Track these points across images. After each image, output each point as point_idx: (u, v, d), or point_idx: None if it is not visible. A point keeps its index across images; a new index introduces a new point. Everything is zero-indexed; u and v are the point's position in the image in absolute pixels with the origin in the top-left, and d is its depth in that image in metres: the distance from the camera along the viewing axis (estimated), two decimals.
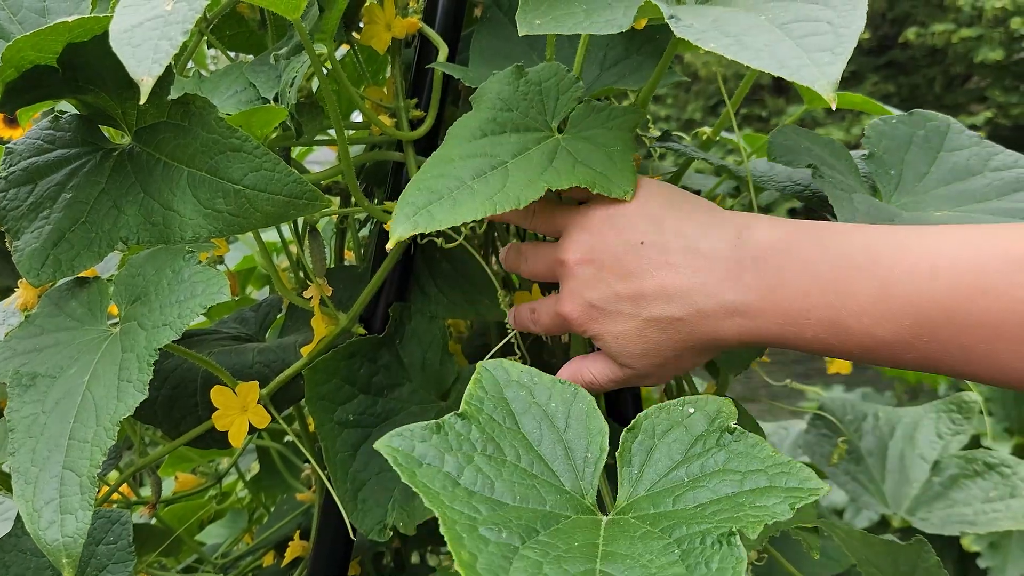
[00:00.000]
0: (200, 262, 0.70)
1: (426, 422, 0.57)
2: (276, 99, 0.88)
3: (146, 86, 0.54)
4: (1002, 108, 10.46)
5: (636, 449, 0.59)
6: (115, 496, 1.01)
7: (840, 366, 1.05)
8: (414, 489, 0.52)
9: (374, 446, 0.55)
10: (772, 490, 0.52)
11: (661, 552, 0.49)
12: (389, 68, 1.00)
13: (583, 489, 0.57)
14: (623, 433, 0.59)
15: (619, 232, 0.65)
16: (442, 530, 0.48)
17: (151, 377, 0.64)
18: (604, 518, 0.55)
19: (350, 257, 1.22)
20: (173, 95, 0.75)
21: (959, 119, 0.91)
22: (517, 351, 0.89)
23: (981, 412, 1.44)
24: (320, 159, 1.93)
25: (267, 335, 1.14)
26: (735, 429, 0.56)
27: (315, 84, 0.93)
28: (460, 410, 0.59)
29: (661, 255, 0.63)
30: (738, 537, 0.48)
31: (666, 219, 0.64)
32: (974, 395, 1.40)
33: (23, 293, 0.86)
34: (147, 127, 0.75)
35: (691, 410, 0.59)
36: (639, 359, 0.66)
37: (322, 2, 0.75)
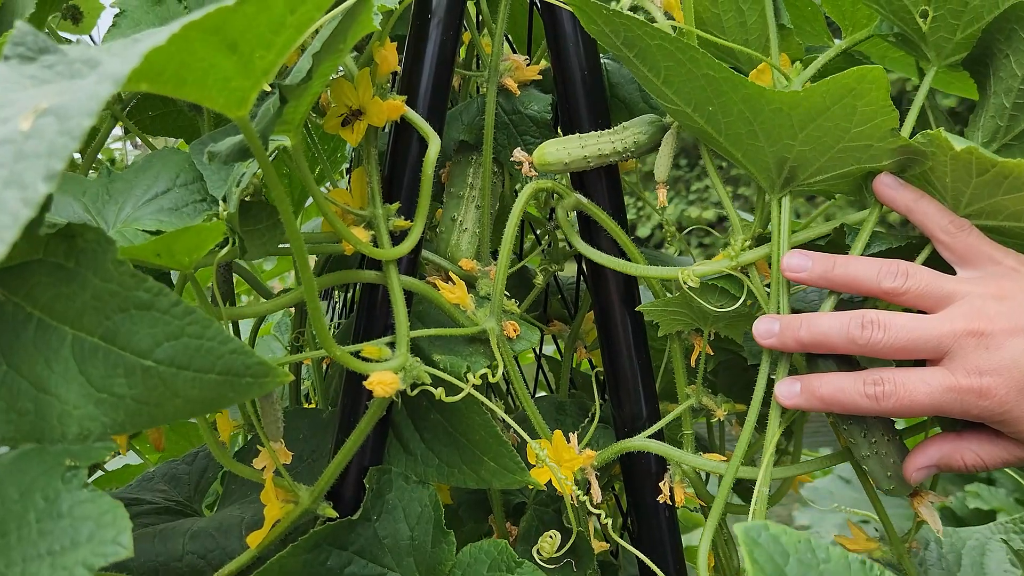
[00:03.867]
0: (87, 485, 0.46)
1: None
2: (226, 199, 0.66)
3: None
4: None
5: None
6: None
7: None
8: None
9: None
10: None
11: None
12: (360, 155, 0.77)
13: None
14: None
15: None
16: None
17: None
18: None
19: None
20: (57, 216, 0.52)
21: None
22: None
23: None
24: None
25: (205, 499, 0.89)
26: None
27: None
28: None
29: None
30: None
31: None
32: None
33: None
34: (13, 267, 0.51)
35: None
36: None
37: (284, 91, 0.52)
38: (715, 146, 0.71)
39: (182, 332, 0.48)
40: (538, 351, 1.22)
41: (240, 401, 0.50)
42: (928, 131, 0.59)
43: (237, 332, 1.04)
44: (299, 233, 0.54)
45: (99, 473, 1.37)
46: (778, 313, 0.69)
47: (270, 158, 0.62)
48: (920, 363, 0.63)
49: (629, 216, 0.85)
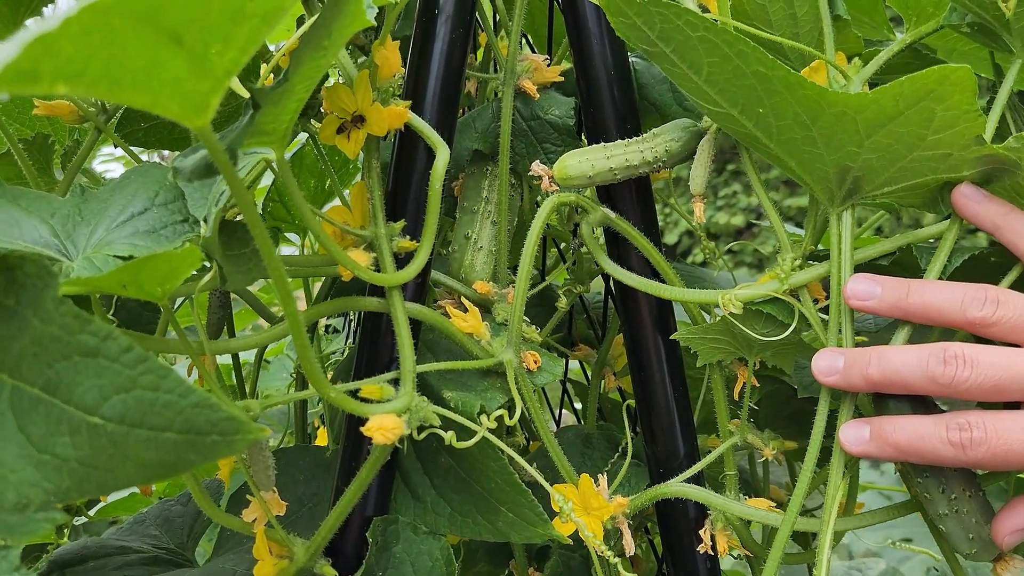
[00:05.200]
0: (19, 568, 0.38)
1: None
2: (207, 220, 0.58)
3: None
4: None
5: None
6: None
7: None
8: None
9: None
10: None
11: None
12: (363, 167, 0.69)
13: None
14: None
15: None
16: None
17: None
18: None
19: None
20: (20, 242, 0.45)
21: None
22: None
23: None
24: None
25: (199, 544, 0.81)
26: None
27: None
28: None
29: None
30: None
31: None
32: None
33: None
34: None
35: None
36: None
37: (257, 96, 0.44)
38: (764, 153, 0.62)
39: (134, 383, 0.41)
40: (564, 373, 1.14)
41: (205, 463, 0.43)
42: (1022, 135, 0.50)
43: (238, 361, 0.96)
44: (279, 262, 0.46)
45: (103, 503, 1.31)
46: (839, 345, 0.60)
47: (245, 171, 0.54)
48: (1010, 406, 0.54)
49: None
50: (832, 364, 0.57)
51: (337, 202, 1.09)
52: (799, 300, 0.64)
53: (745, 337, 0.66)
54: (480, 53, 0.97)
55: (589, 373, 0.96)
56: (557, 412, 1.22)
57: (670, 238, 7.52)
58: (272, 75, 0.69)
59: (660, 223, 0.76)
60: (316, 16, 0.44)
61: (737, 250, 7.59)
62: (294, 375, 0.95)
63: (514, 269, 0.72)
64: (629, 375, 0.78)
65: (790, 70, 0.53)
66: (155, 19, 0.31)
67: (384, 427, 0.56)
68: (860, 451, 0.56)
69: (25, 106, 0.82)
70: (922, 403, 0.57)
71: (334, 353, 1.45)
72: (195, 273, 0.61)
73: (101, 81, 0.33)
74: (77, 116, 0.76)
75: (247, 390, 0.93)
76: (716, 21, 0.62)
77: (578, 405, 1.17)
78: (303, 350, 0.52)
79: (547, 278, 0.98)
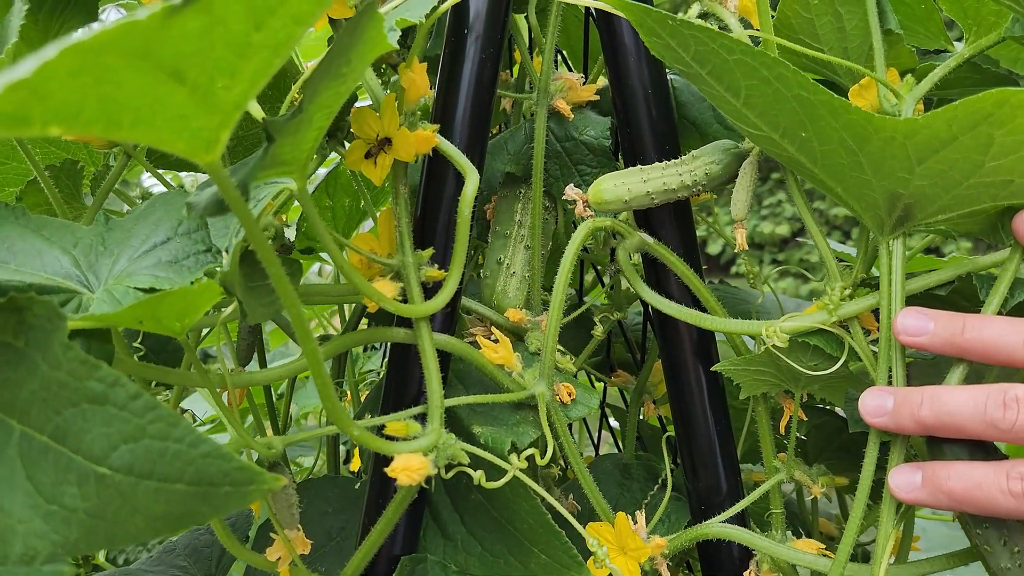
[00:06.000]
0: None
1: None
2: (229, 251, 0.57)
3: None
4: None
5: None
6: None
7: None
8: None
9: None
10: None
11: None
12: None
13: None
14: None
15: None
16: None
17: None
18: None
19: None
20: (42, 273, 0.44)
21: None
22: None
23: None
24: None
25: (229, 572, 0.80)
26: None
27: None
28: None
29: None
30: None
31: None
32: None
33: None
34: None
35: None
36: None
37: (271, 128, 0.43)
38: (808, 177, 0.59)
39: (143, 432, 0.39)
40: (601, 397, 1.11)
41: (217, 515, 0.41)
42: None
43: (269, 390, 0.95)
44: (295, 298, 0.44)
45: None
46: (890, 383, 0.56)
47: (263, 202, 0.52)
48: None
49: (698, 233, 0.73)
50: (881, 404, 0.54)
51: (372, 223, 1.08)
52: (849, 332, 0.60)
53: (791, 370, 0.62)
54: (516, 69, 0.94)
55: (628, 398, 0.93)
56: (596, 436, 1.19)
57: (713, 248, 7.42)
58: (300, 94, 0.67)
59: (702, 233, 0.73)
60: (333, 43, 0.42)
61: (782, 260, 7.47)
62: None
63: (549, 295, 0.69)
64: (669, 404, 0.75)
65: (833, 95, 0.50)
66: (152, 56, 0.29)
67: (410, 468, 0.53)
68: (911, 498, 0.53)
69: None
70: (981, 447, 0.53)
71: (371, 372, 1.43)
72: (220, 302, 0.59)
73: (98, 121, 0.31)
74: (106, 141, 0.75)
75: (278, 420, 0.92)
76: (757, 40, 0.59)
77: (615, 423, 1.14)
78: (323, 388, 0.50)
79: (585, 302, 0.95)
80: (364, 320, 0.91)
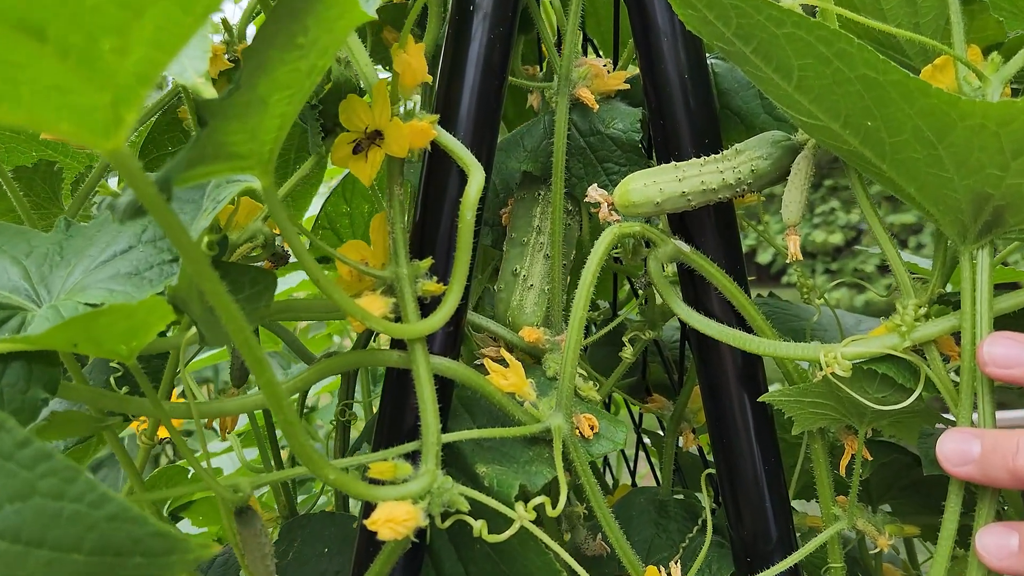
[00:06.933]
0: None
1: None
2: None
3: None
4: None
5: None
6: None
7: None
8: None
9: None
10: None
11: None
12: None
13: None
14: None
15: None
16: None
17: None
18: None
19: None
20: None
21: None
22: None
23: None
24: None
25: None
26: None
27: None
28: None
29: None
30: None
31: None
32: None
33: None
34: None
35: None
36: None
37: (204, 109, 0.35)
38: (874, 175, 0.49)
39: (32, 489, 0.31)
40: (637, 422, 1.01)
41: None
42: None
43: (268, 414, 0.87)
44: (240, 319, 0.36)
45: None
46: (974, 424, 0.46)
47: (218, 208, 0.45)
48: None
49: (747, 242, 0.63)
50: (965, 451, 0.44)
51: None
52: (925, 359, 0.50)
53: (854, 403, 0.53)
54: (545, 65, 0.86)
55: (665, 425, 0.84)
56: (632, 463, 1.10)
57: (763, 257, 7.23)
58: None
59: (751, 240, 0.63)
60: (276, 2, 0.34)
61: (835, 269, 7.25)
62: (334, 422, 0.85)
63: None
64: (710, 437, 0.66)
65: (908, 74, 0.41)
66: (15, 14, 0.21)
67: (394, 519, 0.45)
68: (1003, 567, 0.43)
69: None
70: None
71: None
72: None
73: None
74: None
75: (276, 452, 0.84)
76: (812, 11, 0.50)
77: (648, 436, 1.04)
78: (288, 427, 0.41)
79: (618, 315, 0.86)
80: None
